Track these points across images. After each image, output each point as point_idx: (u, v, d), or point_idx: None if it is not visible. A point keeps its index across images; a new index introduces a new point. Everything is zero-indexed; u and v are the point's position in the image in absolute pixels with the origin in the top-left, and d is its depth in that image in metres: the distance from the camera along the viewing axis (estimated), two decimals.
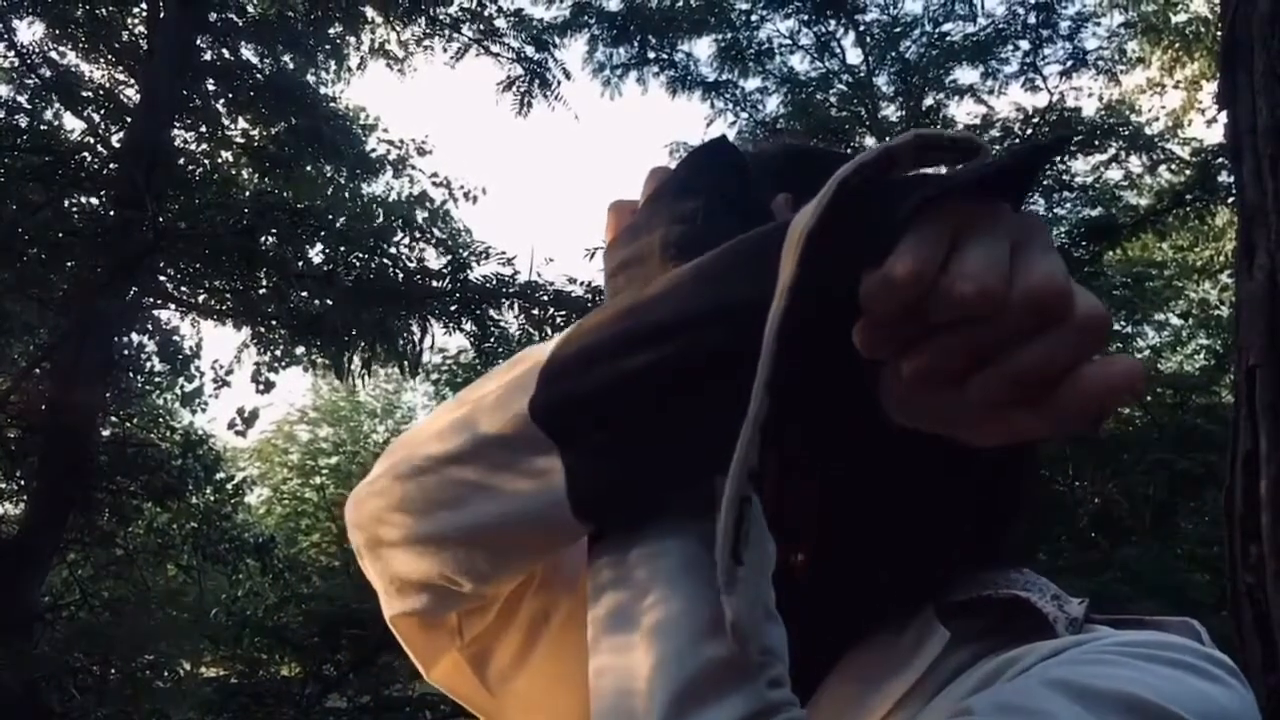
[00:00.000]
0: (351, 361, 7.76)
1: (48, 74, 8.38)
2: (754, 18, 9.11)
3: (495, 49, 9.00)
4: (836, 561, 0.57)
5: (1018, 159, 0.40)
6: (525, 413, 0.47)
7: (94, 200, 7.56)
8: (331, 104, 9.69)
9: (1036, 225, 0.39)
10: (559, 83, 8.87)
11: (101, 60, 8.73)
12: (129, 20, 8.78)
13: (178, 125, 8.54)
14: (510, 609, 0.61)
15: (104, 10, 8.48)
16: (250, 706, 6.47)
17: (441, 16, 9.06)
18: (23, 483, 7.80)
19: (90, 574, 8.31)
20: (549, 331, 7.19)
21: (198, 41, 8.51)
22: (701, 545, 0.46)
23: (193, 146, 9.03)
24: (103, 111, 8.57)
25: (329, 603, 7.31)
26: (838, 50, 9.24)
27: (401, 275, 7.46)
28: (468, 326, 7.52)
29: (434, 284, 7.49)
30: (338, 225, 7.74)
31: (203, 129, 9.07)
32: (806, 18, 8.98)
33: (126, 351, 8.66)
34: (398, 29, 9.51)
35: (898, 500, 0.57)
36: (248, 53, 9.12)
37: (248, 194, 8.25)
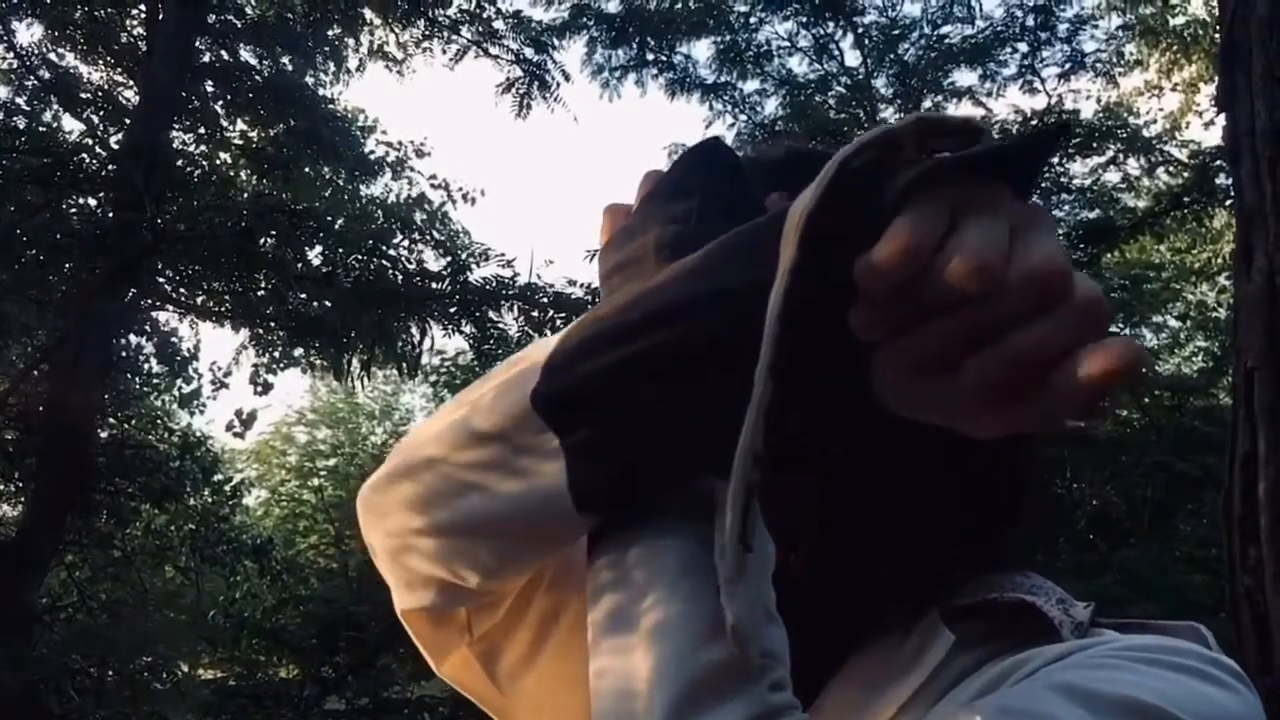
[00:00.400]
0: (350, 363, 7.77)
1: (47, 75, 8.39)
2: (753, 20, 9.13)
3: (494, 51, 9.02)
4: (836, 559, 0.57)
5: (1018, 141, 0.39)
6: (523, 408, 0.47)
7: (93, 201, 7.57)
8: (330, 105, 9.69)
9: (1039, 211, 0.38)
10: (558, 84, 8.89)
11: (100, 62, 8.73)
12: (128, 22, 8.79)
13: (176, 127, 8.54)
14: (521, 607, 0.61)
15: (103, 12, 8.48)
16: (248, 708, 6.47)
17: (440, 18, 9.06)
18: (21, 484, 7.79)
19: (88, 576, 8.31)
20: (549, 334, 7.17)
21: (197, 43, 8.51)
22: (700, 546, 0.46)
23: (191, 148, 9.04)
24: (102, 113, 8.57)
25: (327, 605, 7.32)
26: (836, 52, 9.26)
27: (400, 277, 7.47)
28: (467, 328, 7.53)
29: (433, 286, 7.49)
30: (336, 227, 7.74)
31: (201, 130, 9.07)
32: (805, 20, 8.99)
33: (125, 353, 8.66)
34: (396, 31, 9.52)
35: (895, 494, 0.56)
36: (247, 54, 9.13)
37: (246, 195, 8.25)
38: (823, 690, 0.55)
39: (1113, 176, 9.01)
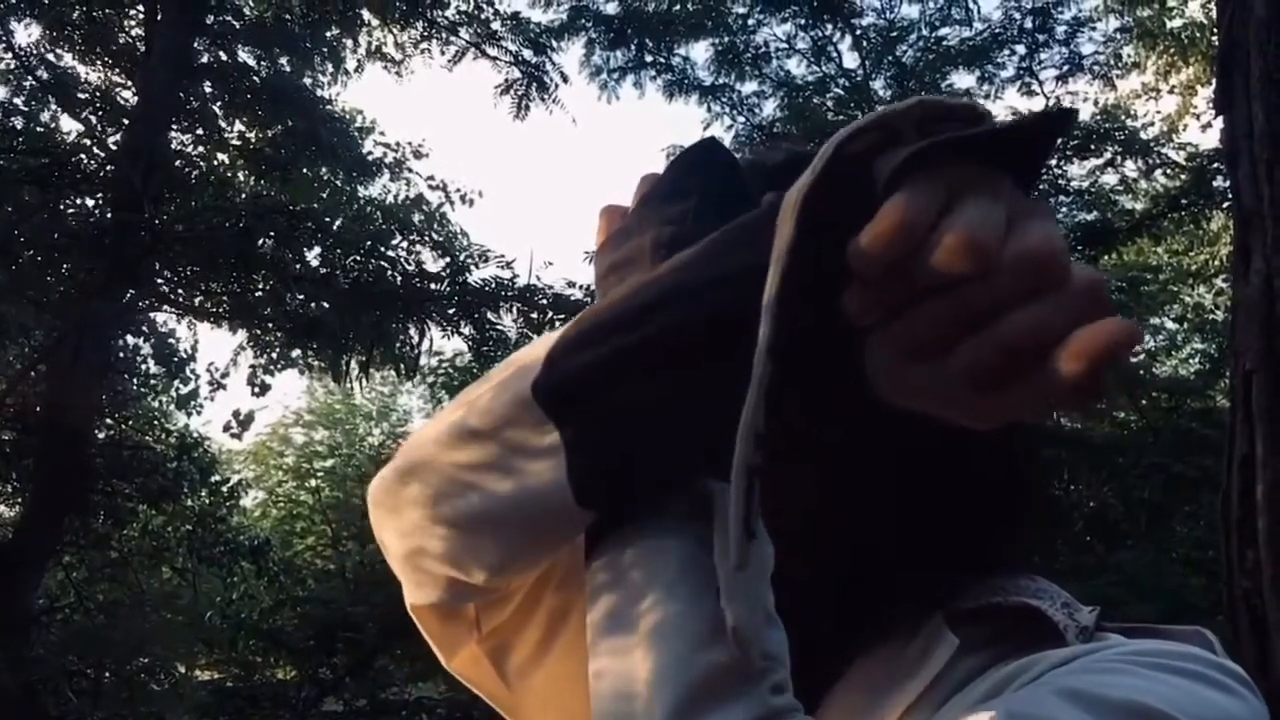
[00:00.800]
0: (349, 364, 7.76)
1: (45, 76, 8.38)
2: (751, 21, 9.13)
3: (493, 52, 9.02)
4: (835, 557, 0.57)
5: (1017, 123, 0.38)
6: (519, 404, 0.47)
7: (91, 202, 7.56)
8: (328, 106, 9.68)
9: (1038, 200, 0.38)
10: (556, 86, 8.90)
11: (99, 62, 8.72)
12: (126, 22, 8.78)
13: (175, 128, 8.53)
14: (530, 606, 0.61)
15: (101, 12, 8.48)
16: (246, 710, 6.46)
17: (439, 19, 9.06)
18: (18, 485, 7.79)
19: (85, 576, 8.30)
20: None
21: (195, 44, 8.51)
22: (700, 547, 0.46)
23: (190, 149, 9.03)
24: (100, 114, 8.57)
25: (324, 606, 7.31)
26: (834, 54, 9.26)
27: (399, 278, 7.46)
28: (465, 330, 7.52)
29: (432, 287, 7.49)
30: (335, 228, 7.73)
31: (200, 131, 9.06)
32: (803, 22, 9.00)
33: (123, 354, 8.65)
34: (395, 32, 9.51)
35: (892, 488, 0.56)
36: (245, 55, 9.12)
37: (244, 196, 8.24)
38: (826, 695, 0.55)
39: (1110, 179, 9.01)
